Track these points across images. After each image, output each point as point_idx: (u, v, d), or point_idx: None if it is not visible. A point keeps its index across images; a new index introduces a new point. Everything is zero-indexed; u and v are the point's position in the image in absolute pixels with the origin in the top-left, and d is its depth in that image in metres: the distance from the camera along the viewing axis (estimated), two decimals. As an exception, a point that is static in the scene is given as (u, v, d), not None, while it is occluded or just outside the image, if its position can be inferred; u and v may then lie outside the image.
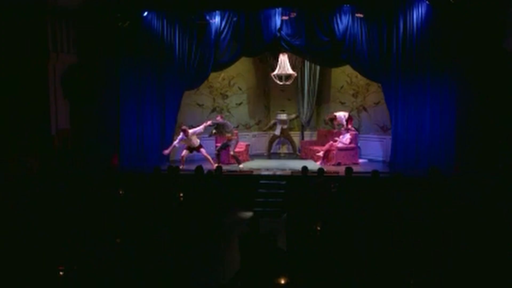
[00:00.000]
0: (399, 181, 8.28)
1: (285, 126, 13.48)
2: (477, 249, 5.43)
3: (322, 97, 13.72)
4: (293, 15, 11.23)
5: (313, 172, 9.19)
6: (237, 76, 13.55)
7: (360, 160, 11.98)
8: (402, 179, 8.32)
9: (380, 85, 11.60)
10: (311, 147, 12.78)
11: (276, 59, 12.35)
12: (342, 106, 13.17)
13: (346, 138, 11.72)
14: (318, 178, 8.46)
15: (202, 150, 11.12)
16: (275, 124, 13.62)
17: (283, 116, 13.48)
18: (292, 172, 10.60)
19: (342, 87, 13.28)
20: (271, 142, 13.67)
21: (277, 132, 13.38)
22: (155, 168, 9.15)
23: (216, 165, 10.15)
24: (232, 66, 12.47)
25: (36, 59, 10.30)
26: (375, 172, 8.62)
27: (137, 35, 11.38)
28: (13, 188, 8.66)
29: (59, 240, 5.64)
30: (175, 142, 11.04)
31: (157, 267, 5.32)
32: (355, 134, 11.97)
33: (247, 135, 13.40)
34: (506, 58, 9.63)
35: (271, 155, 13.51)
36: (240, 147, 12.32)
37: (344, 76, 13.16)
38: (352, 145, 11.79)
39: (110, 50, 11.13)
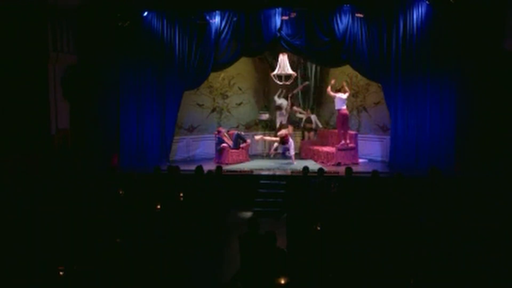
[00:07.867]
0: (399, 181, 8.28)
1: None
2: (477, 249, 5.43)
3: (322, 97, 13.72)
4: (293, 15, 11.23)
5: (313, 172, 9.19)
6: (237, 76, 13.54)
7: (360, 160, 11.96)
8: (402, 179, 8.32)
9: (380, 85, 11.59)
10: (311, 147, 12.77)
11: (276, 59, 12.34)
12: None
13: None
14: (318, 178, 8.47)
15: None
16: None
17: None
18: (292, 172, 10.60)
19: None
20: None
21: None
22: (155, 168, 9.16)
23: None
24: (232, 66, 12.46)
25: (36, 59, 10.29)
26: (375, 172, 8.63)
27: (137, 35, 11.38)
28: (13, 188, 8.66)
29: (59, 240, 5.64)
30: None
31: (157, 267, 5.32)
32: (355, 134, 11.96)
33: (247, 135, 13.36)
34: (506, 58, 9.63)
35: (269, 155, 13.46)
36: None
37: (344, 76, 13.14)
38: (352, 145, 11.78)
39: (110, 50, 11.12)
